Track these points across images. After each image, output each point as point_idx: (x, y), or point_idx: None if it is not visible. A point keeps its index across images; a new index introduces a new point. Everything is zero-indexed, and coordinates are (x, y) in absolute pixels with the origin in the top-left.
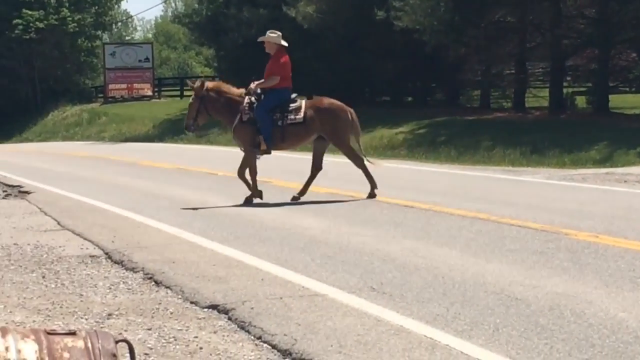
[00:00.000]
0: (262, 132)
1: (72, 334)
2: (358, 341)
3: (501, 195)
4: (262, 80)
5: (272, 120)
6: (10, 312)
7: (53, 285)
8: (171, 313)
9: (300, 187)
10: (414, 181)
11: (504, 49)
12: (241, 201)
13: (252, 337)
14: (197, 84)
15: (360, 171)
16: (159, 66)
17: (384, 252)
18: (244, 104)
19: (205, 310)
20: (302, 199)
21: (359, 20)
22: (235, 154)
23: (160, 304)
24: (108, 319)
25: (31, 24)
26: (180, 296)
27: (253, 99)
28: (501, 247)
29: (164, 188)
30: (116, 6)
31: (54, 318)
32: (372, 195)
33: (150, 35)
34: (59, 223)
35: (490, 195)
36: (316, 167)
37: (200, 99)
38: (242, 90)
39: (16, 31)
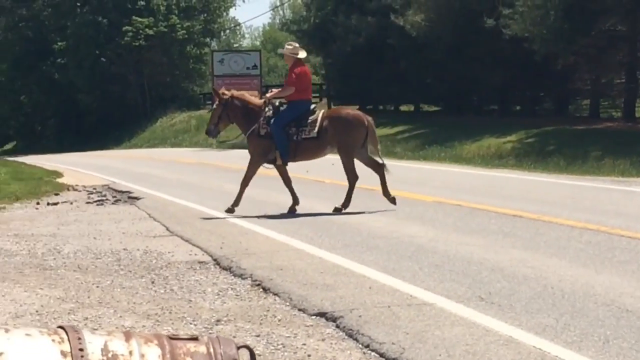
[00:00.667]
0: (278, 147)
1: (195, 339)
2: (466, 351)
3: (611, 205)
4: (277, 91)
5: (288, 135)
6: (120, 316)
7: (162, 291)
8: (279, 320)
9: (409, 195)
10: (522, 191)
11: (614, 57)
12: (349, 210)
13: (360, 345)
14: (222, 90)
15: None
16: (266, 73)
17: (493, 261)
18: (262, 117)
19: (313, 317)
20: (408, 210)
21: (467, 29)
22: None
23: (268, 310)
24: (216, 324)
25: (141, 31)
26: (288, 303)
27: (270, 113)
28: (611, 258)
29: (271, 195)
30: (225, 14)
31: (163, 323)
32: (392, 201)
33: (258, 43)
34: (167, 229)
35: (599, 206)
36: (373, 165)
37: (224, 106)
38: (262, 101)
39: (126, 38)
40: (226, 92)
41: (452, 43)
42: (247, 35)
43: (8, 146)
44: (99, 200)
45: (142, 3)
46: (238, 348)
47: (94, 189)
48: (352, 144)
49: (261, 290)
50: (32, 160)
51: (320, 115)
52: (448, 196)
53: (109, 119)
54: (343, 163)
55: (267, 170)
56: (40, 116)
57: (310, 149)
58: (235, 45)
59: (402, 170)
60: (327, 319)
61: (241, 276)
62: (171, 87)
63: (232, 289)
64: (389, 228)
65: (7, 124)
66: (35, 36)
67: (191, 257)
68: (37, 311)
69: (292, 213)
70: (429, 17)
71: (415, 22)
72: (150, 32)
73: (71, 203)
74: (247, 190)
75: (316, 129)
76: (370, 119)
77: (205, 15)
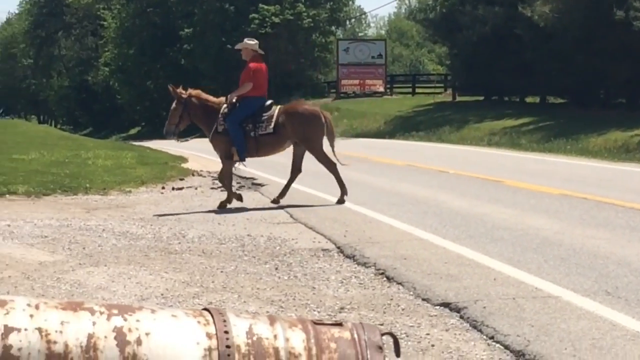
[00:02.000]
0: (234, 144)
1: (339, 324)
2: (593, 345)
3: None
4: (236, 90)
5: (245, 132)
6: (244, 302)
7: (286, 277)
8: (403, 309)
9: (535, 187)
10: None
11: None
12: (471, 201)
13: (484, 337)
14: (179, 89)
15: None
16: (391, 63)
17: (619, 255)
18: (220, 115)
19: (437, 307)
20: (533, 202)
21: (595, 20)
22: (467, 152)
23: (392, 299)
24: (340, 312)
25: (267, 19)
26: (412, 293)
27: (226, 110)
28: None
29: (394, 184)
30: (350, 2)
31: (287, 309)
32: (341, 201)
33: (383, 32)
34: (291, 216)
35: None
36: (296, 168)
37: (183, 105)
38: (222, 99)
39: (252, 25)
40: (183, 91)
41: (579, 34)
42: (372, 24)
43: (133, 131)
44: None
45: None
46: (382, 335)
47: None
48: (314, 137)
49: (385, 279)
50: (156, 145)
51: (277, 111)
52: (574, 189)
53: None
54: (315, 156)
55: (383, 159)
56: (165, 102)
57: (270, 144)
58: (360, 34)
59: (527, 162)
60: (451, 310)
61: (365, 264)
62: (296, 75)
63: (355, 277)
64: (514, 220)
65: (133, 109)
66: (162, 22)
67: (315, 244)
68: (162, 294)
69: (222, 207)
70: (557, 7)
71: (542, 12)
72: (277, 19)
73: (196, 188)
74: (372, 179)
75: (272, 124)
76: (327, 114)
77: (331, 3)
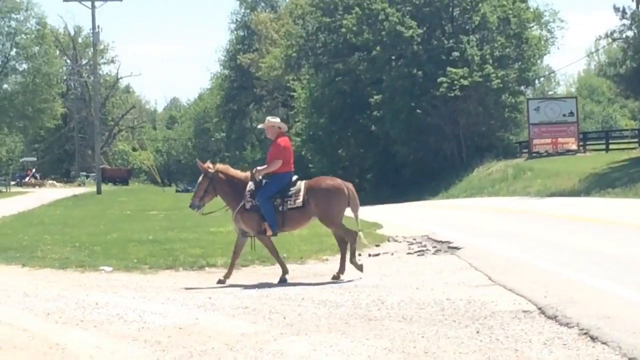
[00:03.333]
0: (267, 219)
1: None
2: None
3: None
4: (266, 166)
5: (274, 206)
6: None
7: (487, 340)
8: None
9: None
10: None
11: None
12: None
13: None
14: (207, 164)
15: None
16: (582, 120)
17: None
18: (247, 191)
19: None
20: None
21: None
22: None
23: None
24: None
25: (455, 82)
26: (617, 352)
27: (253, 186)
28: None
29: (594, 243)
30: (539, 62)
31: None
32: (336, 277)
33: (573, 90)
34: (490, 278)
35: None
36: (340, 240)
37: (210, 179)
38: (248, 174)
39: (441, 89)
40: (211, 165)
41: None
42: (561, 82)
43: None
44: (419, 251)
45: (457, 54)
46: None
47: (414, 239)
48: (335, 213)
49: (589, 338)
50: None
51: (303, 186)
52: None
53: (424, 169)
54: (333, 233)
55: (591, 218)
56: (358, 169)
57: (297, 219)
58: (549, 92)
59: None
60: None
61: (567, 325)
62: (487, 136)
63: (558, 337)
64: None
65: None
66: (351, 90)
67: (515, 306)
68: None
69: (283, 282)
70: None
71: None
72: (465, 82)
73: (392, 254)
74: (568, 237)
75: (300, 198)
76: (350, 185)
77: (520, 63)
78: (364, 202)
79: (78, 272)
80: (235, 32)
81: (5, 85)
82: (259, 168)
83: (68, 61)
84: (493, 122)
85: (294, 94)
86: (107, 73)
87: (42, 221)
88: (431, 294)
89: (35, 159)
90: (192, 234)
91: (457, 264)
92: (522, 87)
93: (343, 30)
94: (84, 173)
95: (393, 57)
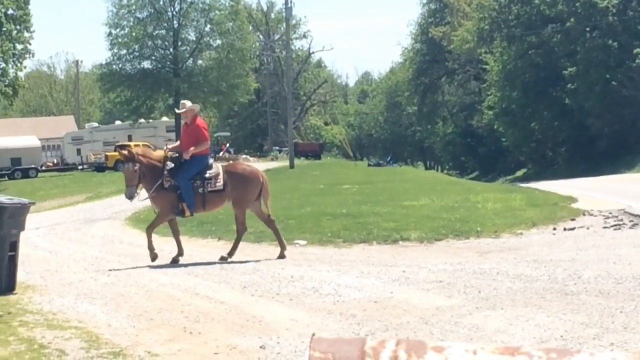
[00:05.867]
0: (185, 200)
1: None
2: None
3: None
4: (194, 148)
5: (194, 188)
6: None
7: None
8: None
9: None
10: None
11: None
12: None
13: None
14: (124, 151)
15: None
16: None
17: None
18: (165, 171)
19: None
20: None
21: None
22: None
23: None
24: None
25: None
26: None
27: (172, 166)
28: None
29: None
30: None
31: None
32: (282, 256)
33: None
34: None
35: None
36: (268, 223)
37: (138, 164)
38: (161, 154)
39: (637, 60)
40: (131, 149)
41: None
42: None
43: (519, 173)
44: (615, 225)
45: None
46: None
47: (610, 213)
48: (247, 198)
49: None
50: (544, 186)
51: (221, 169)
52: None
53: (620, 142)
54: (236, 215)
55: None
56: (551, 142)
57: (215, 201)
58: None
59: None
60: None
61: None
62: None
63: None
64: None
65: (519, 151)
66: (544, 63)
67: None
68: (561, 336)
69: (175, 263)
70: None
71: None
72: None
73: (587, 228)
74: None
75: (221, 181)
76: (263, 174)
77: None
78: (558, 176)
79: (273, 246)
80: (427, 5)
81: (200, 61)
82: (186, 150)
83: (261, 36)
84: None
85: (486, 67)
86: (299, 48)
87: None
88: (629, 269)
89: (229, 133)
90: (385, 207)
91: None
92: None
93: (536, 1)
94: (277, 147)
95: (587, 29)
